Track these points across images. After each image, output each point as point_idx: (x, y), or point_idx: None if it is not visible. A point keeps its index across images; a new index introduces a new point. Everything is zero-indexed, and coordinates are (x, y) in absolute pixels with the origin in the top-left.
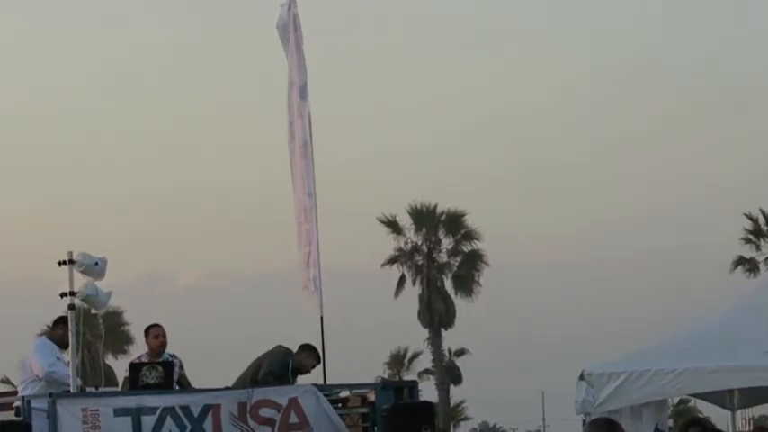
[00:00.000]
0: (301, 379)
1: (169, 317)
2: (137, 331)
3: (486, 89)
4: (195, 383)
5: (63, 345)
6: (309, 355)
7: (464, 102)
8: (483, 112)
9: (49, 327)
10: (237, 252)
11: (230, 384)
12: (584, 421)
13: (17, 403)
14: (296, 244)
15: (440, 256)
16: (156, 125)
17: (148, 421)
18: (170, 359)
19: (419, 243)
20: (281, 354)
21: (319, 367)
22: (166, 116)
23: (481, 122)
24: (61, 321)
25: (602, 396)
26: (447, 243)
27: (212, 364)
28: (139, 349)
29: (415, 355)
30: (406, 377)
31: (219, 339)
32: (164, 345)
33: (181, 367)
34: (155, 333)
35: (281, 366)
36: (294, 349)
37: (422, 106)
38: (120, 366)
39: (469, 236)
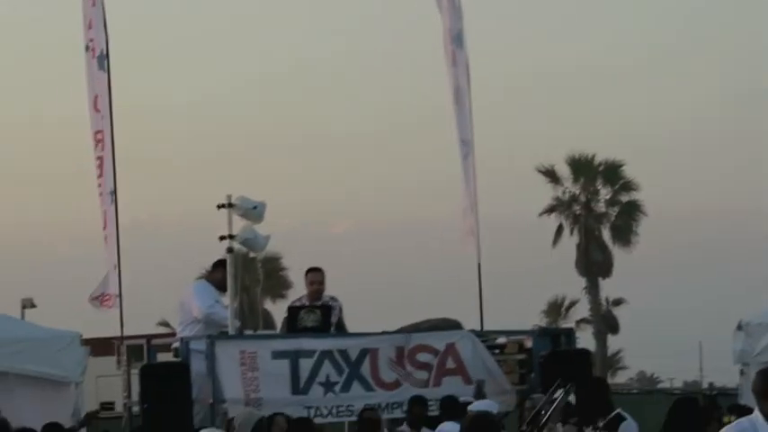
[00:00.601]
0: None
1: (326, 262)
2: (295, 276)
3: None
4: (351, 329)
5: (221, 288)
6: None
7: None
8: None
9: (207, 270)
10: (394, 199)
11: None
12: (741, 371)
13: (176, 345)
14: (460, 191)
15: (597, 206)
16: None
17: (306, 364)
18: (329, 302)
19: (577, 193)
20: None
21: (476, 313)
22: None
23: (639, 71)
24: (220, 265)
25: (761, 346)
26: (605, 193)
27: (369, 309)
28: (297, 294)
29: (572, 304)
30: (564, 326)
31: (376, 285)
32: (318, 291)
33: (340, 311)
34: (310, 279)
35: None
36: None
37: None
38: (277, 311)
39: (627, 186)
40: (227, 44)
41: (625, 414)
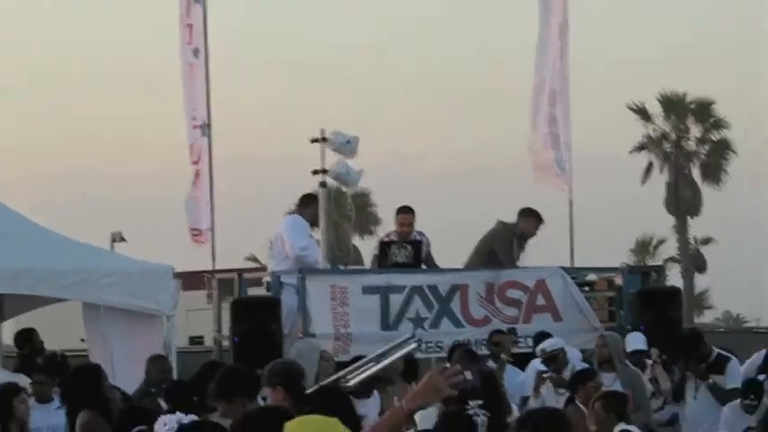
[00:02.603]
0: (548, 261)
1: (416, 198)
2: (384, 212)
3: None
4: (440, 265)
5: (313, 223)
6: (530, 219)
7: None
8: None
9: (297, 205)
10: (484, 135)
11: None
12: None
13: (267, 278)
14: (532, 128)
15: (688, 144)
16: None
17: (396, 299)
18: (418, 238)
19: (668, 131)
20: (500, 232)
21: (567, 251)
22: None
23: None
24: (311, 199)
25: None
26: (696, 131)
27: (458, 246)
28: (386, 230)
29: (660, 242)
30: (651, 264)
31: (466, 222)
32: (407, 234)
33: (428, 246)
34: (400, 220)
35: (504, 247)
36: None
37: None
38: (366, 247)
39: (718, 124)
40: None
41: (727, 353)
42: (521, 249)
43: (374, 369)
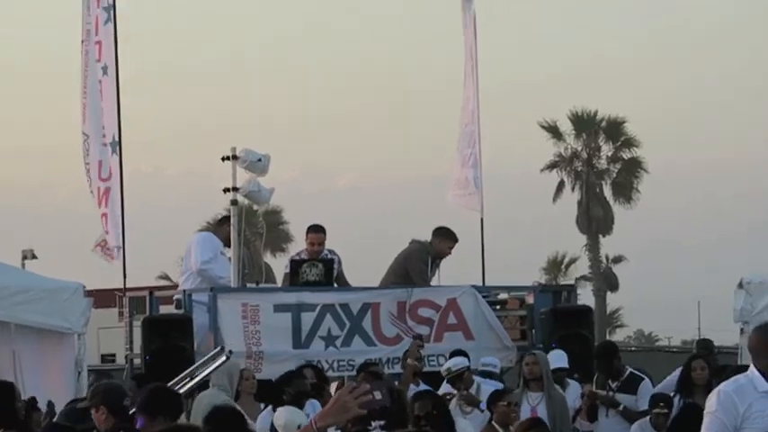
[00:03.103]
0: (459, 279)
1: (327, 216)
2: (295, 230)
3: None
4: (352, 284)
5: (228, 242)
6: (444, 239)
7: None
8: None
9: (213, 224)
10: (395, 153)
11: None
12: (741, 330)
13: (178, 296)
14: (456, 147)
15: (599, 162)
16: None
17: (308, 318)
18: (330, 256)
19: (579, 149)
20: (414, 253)
21: (478, 269)
22: None
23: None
24: (227, 220)
25: (761, 305)
26: (607, 149)
27: (368, 263)
28: (298, 247)
29: (572, 261)
30: (563, 283)
31: (375, 239)
32: (318, 253)
33: (339, 264)
34: (311, 239)
35: (417, 268)
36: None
37: (587, 21)
38: (278, 265)
39: (629, 143)
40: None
41: (640, 374)
42: (435, 268)
43: (190, 384)
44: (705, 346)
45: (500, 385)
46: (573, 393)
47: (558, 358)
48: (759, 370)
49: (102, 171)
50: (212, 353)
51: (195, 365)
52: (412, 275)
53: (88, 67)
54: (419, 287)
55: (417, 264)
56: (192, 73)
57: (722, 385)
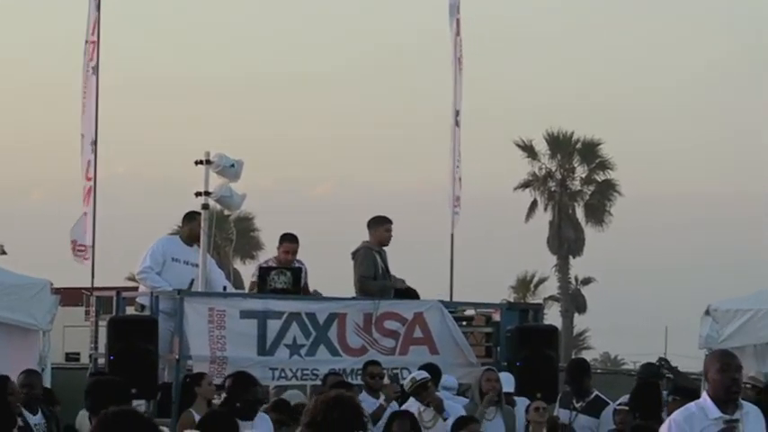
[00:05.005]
0: (427, 294)
1: (300, 225)
2: (266, 237)
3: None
4: (324, 293)
5: (189, 240)
6: (378, 228)
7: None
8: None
9: (179, 227)
10: (372, 165)
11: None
12: (706, 356)
13: (139, 300)
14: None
15: (573, 183)
16: None
17: (274, 325)
18: (298, 266)
19: (553, 169)
20: (360, 256)
21: (446, 284)
22: None
23: (622, 54)
24: (191, 215)
25: (727, 332)
26: (581, 171)
27: (339, 274)
28: (268, 255)
29: (542, 281)
30: (531, 302)
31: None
32: (289, 262)
33: (305, 275)
34: (285, 248)
35: (367, 264)
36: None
37: (566, 35)
38: (247, 271)
39: (604, 165)
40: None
41: (606, 399)
42: (385, 255)
43: None
44: (650, 370)
45: (464, 400)
46: (520, 410)
47: (507, 382)
48: (710, 397)
49: (89, 170)
50: None
51: None
52: (364, 282)
53: (84, 68)
54: (385, 299)
55: (363, 265)
56: (168, 77)
57: (674, 414)
